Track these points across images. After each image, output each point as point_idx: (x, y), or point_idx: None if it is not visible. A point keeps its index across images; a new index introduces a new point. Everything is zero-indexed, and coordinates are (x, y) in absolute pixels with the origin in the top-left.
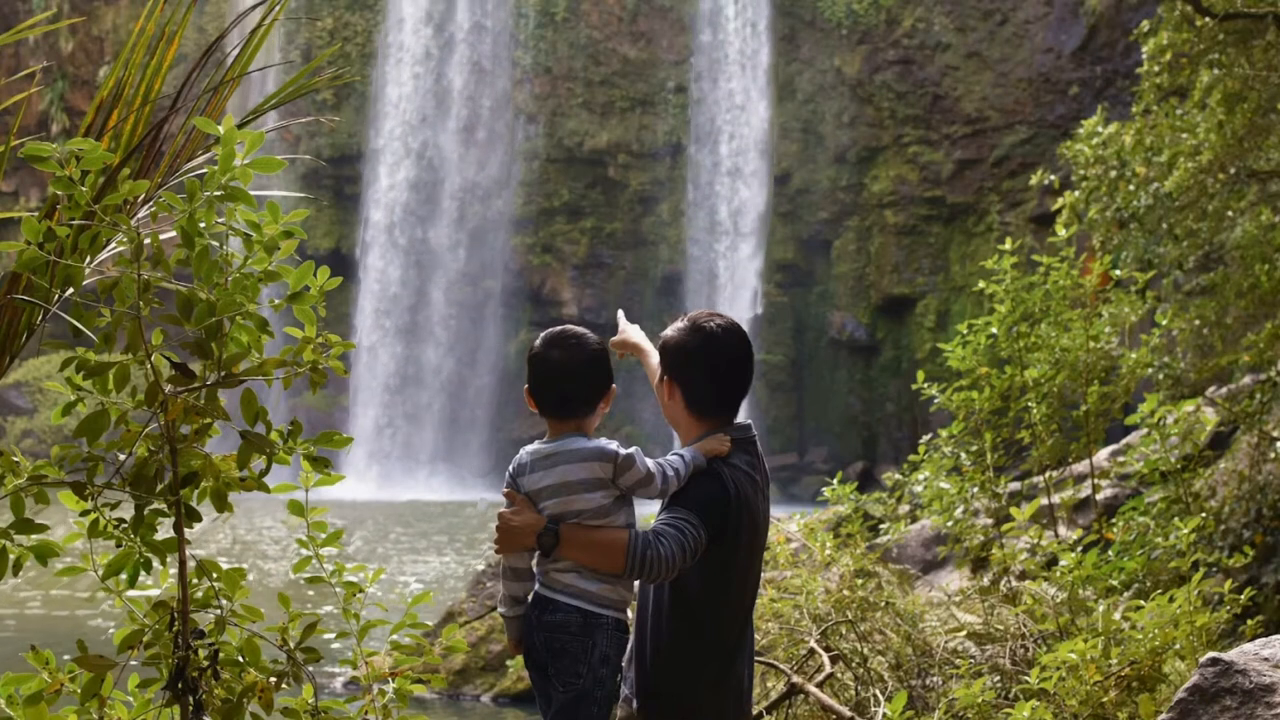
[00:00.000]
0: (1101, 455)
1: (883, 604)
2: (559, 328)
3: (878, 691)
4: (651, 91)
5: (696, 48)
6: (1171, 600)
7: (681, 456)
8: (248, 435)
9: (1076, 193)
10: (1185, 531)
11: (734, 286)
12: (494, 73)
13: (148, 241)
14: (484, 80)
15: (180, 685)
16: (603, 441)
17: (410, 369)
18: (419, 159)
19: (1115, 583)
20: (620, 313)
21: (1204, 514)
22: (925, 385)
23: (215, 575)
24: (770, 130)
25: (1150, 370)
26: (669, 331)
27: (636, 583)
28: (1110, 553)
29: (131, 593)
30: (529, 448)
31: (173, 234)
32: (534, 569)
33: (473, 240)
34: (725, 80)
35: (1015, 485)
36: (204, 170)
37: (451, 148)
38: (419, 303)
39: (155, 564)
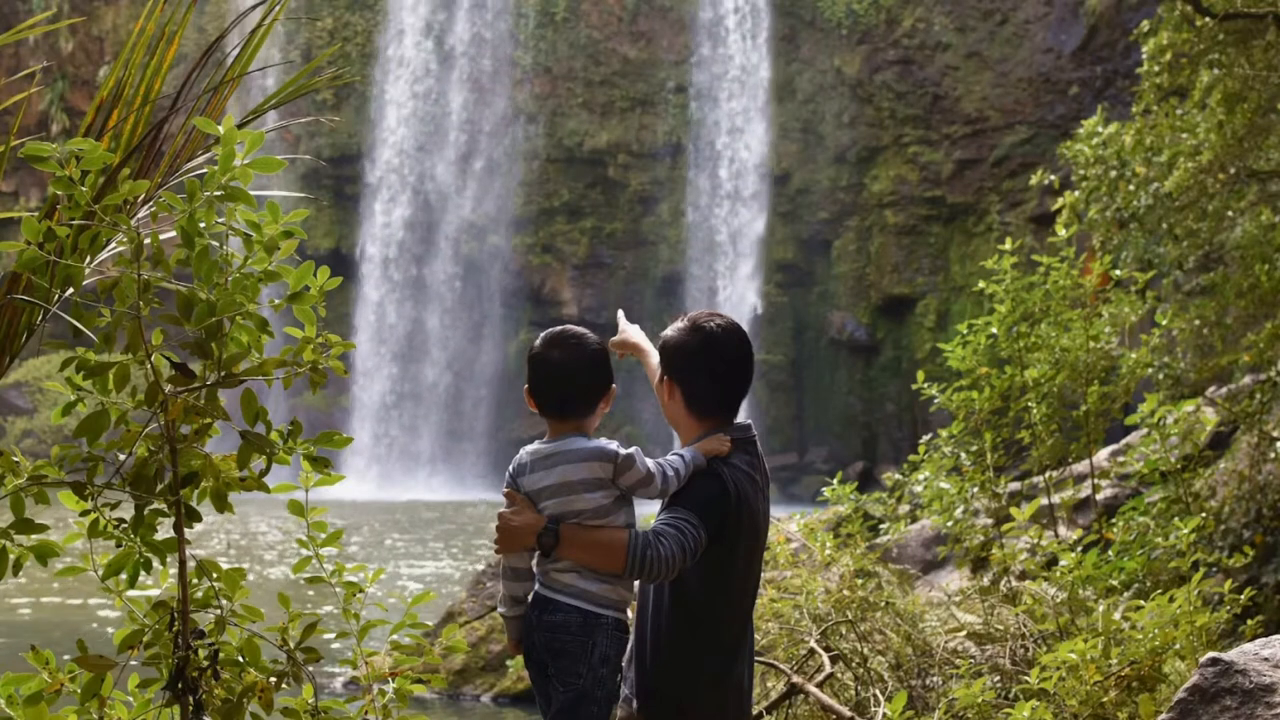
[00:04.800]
0: (1101, 455)
1: (883, 604)
2: (559, 328)
3: (878, 691)
4: (651, 91)
5: (697, 25)
6: (1171, 600)
7: (681, 456)
8: (248, 435)
9: (1076, 193)
10: (1185, 531)
11: (735, 255)
12: (494, 42)
13: (148, 241)
14: (484, 46)
15: (180, 685)
16: (603, 441)
17: (417, 337)
18: (425, 99)
19: (1115, 583)
20: (620, 313)
21: (1204, 514)
22: (925, 385)
23: (215, 575)
24: (770, 90)
25: (1150, 370)
26: (669, 331)
27: (636, 583)
28: (1110, 553)
29: (131, 593)
30: (529, 448)
31: (173, 234)
32: (534, 569)
33: (479, 186)
34: (725, 48)
35: (1015, 485)
36: (204, 170)
37: (456, 93)
38: (426, 254)
39: (155, 564)
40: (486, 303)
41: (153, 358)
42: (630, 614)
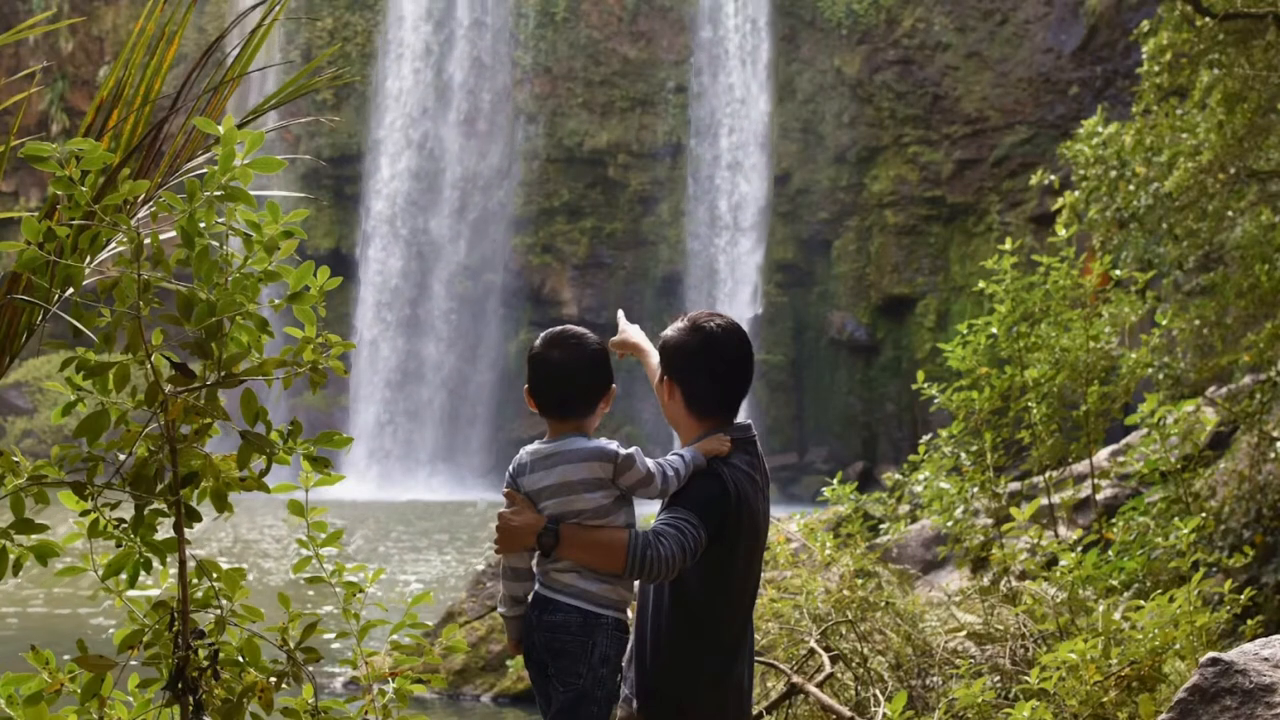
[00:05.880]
0: (1101, 455)
1: (883, 604)
2: (559, 328)
3: (878, 691)
4: (651, 91)
5: (696, 45)
6: (1171, 600)
7: (681, 456)
8: (248, 435)
9: (1076, 193)
10: (1185, 531)
11: (734, 282)
12: (494, 68)
13: (148, 241)
14: (484, 75)
15: (180, 685)
16: (602, 441)
17: (411, 364)
18: (420, 149)
19: (1115, 583)
20: (620, 313)
21: (1204, 514)
22: (925, 385)
23: (215, 575)
24: (770, 125)
25: (1150, 370)
26: (669, 331)
27: (636, 583)
28: (1110, 553)
29: (131, 593)
30: (529, 448)
31: (173, 234)
32: (534, 569)
33: (474, 232)
34: (725, 75)
35: (1015, 485)
36: (204, 170)
37: (452, 139)
38: (420, 296)
39: (155, 564)
40: (482, 328)
41: (153, 358)
42: (630, 614)
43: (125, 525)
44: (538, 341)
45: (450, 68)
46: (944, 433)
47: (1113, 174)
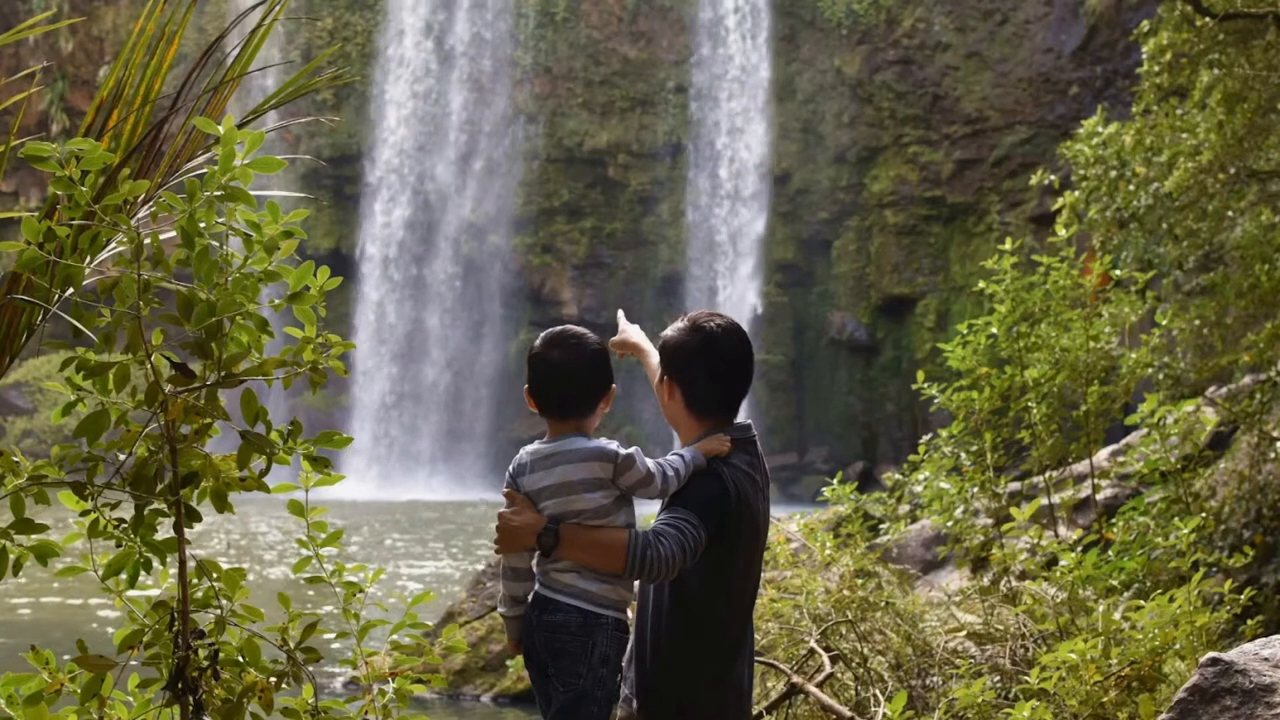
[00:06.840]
0: (1101, 455)
1: (883, 604)
2: (559, 328)
3: (878, 691)
4: (651, 91)
5: (695, 62)
6: (1171, 600)
7: (681, 456)
8: (248, 435)
9: (1076, 193)
10: (1185, 531)
11: (735, 255)
12: (493, 89)
13: (148, 241)
14: (483, 100)
15: (180, 685)
16: (602, 441)
17: (408, 386)
18: (415, 194)
19: (1115, 583)
20: (620, 313)
21: (1204, 514)
22: (925, 385)
23: (215, 575)
24: (770, 152)
25: (1150, 370)
26: (669, 331)
27: (636, 583)
28: (1110, 553)
29: (131, 593)
30: (529, 448)
31: (173, 234)
32: (534, 569)
33: (468, 272)
34: (726, 99)
35: (1015, 485)
36: (204, 170)
37: (448, 179)
38: (415, 330)
39: (155, 564)
40: (486, 303)
41: (153, 358)
42: (630, 614)
43: (125, 525)
44: (538, 341)
45: (450, 91)
46: (944, 433)
47: (1113, 174)
